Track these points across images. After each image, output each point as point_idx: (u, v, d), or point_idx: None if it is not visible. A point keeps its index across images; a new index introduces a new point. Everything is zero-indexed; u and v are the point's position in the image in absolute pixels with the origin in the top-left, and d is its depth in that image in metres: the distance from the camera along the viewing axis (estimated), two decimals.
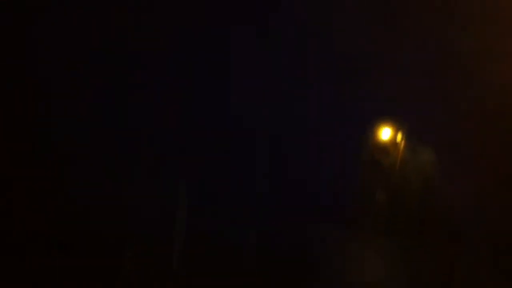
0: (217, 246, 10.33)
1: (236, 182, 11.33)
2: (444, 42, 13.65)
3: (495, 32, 12.71)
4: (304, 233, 12.60)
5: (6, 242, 8.06)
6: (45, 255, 8.21)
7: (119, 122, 9.80)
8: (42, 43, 8.98)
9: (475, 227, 14.25)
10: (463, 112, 14.18)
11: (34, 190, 8.46)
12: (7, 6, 8.25)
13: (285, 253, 11.95)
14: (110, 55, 9.72)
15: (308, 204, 12.93)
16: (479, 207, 14.15)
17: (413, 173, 14.68)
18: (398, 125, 15.00)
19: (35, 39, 8.85)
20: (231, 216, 10.74)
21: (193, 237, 10.10)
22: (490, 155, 14.34)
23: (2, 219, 8.11)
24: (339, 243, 13.10)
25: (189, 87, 10.90)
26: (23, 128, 8.79)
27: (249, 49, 11.61)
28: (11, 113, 8.69)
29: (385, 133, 15.19)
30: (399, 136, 15.11)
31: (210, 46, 11.20)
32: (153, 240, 9.32)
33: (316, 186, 13.40)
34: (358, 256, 13.25)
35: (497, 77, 13.23)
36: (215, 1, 10.99)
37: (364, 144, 15.04)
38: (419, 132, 14.56)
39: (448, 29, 13.24)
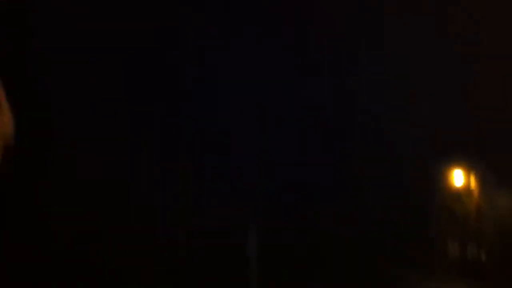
0: None
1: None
2: None
3: None
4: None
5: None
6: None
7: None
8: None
9: None
10: None
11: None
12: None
13: None
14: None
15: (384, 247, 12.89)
16: None
17: (490, 222, 13.47)
18: (471, 169, 13.92)
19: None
20: None
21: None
22: None
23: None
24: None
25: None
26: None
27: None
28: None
29: (458, 178, 14.11)
30: (473, 182, 14.00)
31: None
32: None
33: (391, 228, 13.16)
34: None
35: None
36: None
37: (436, 191, 13.99)
38: (496, 174, 13.44)
39: None
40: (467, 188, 13.90)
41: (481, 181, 13.69)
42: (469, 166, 13.72)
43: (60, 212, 8.15)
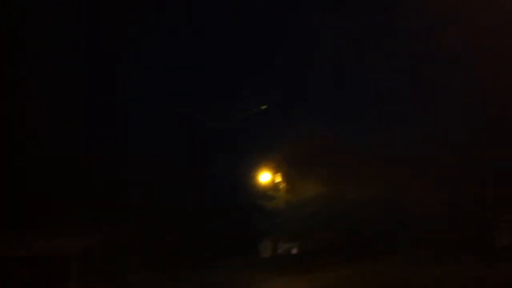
0: None
1: None
2: None
3: None
4: None
5: None
6: None
7: None
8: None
9: None
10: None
11: None
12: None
13: None
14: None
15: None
16: None
17: (299, 213, 14.59)
18: (276, 167, 14.99)
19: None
20: None
21: None
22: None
23: None
24: None
25: None
26: None
27: None
28: None
29: (264, 177, 15.12)
30: (278, 178, 15.09)
31: None
32: None
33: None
34: None
35: None
36: None
37: (248, 192, 14.85)
38: (298, 169, 14.62)
39: None
40: (273, 184, 15.02)
41: (286, 177, 14.87)
42: (275, 165, 14.84)
43: None
